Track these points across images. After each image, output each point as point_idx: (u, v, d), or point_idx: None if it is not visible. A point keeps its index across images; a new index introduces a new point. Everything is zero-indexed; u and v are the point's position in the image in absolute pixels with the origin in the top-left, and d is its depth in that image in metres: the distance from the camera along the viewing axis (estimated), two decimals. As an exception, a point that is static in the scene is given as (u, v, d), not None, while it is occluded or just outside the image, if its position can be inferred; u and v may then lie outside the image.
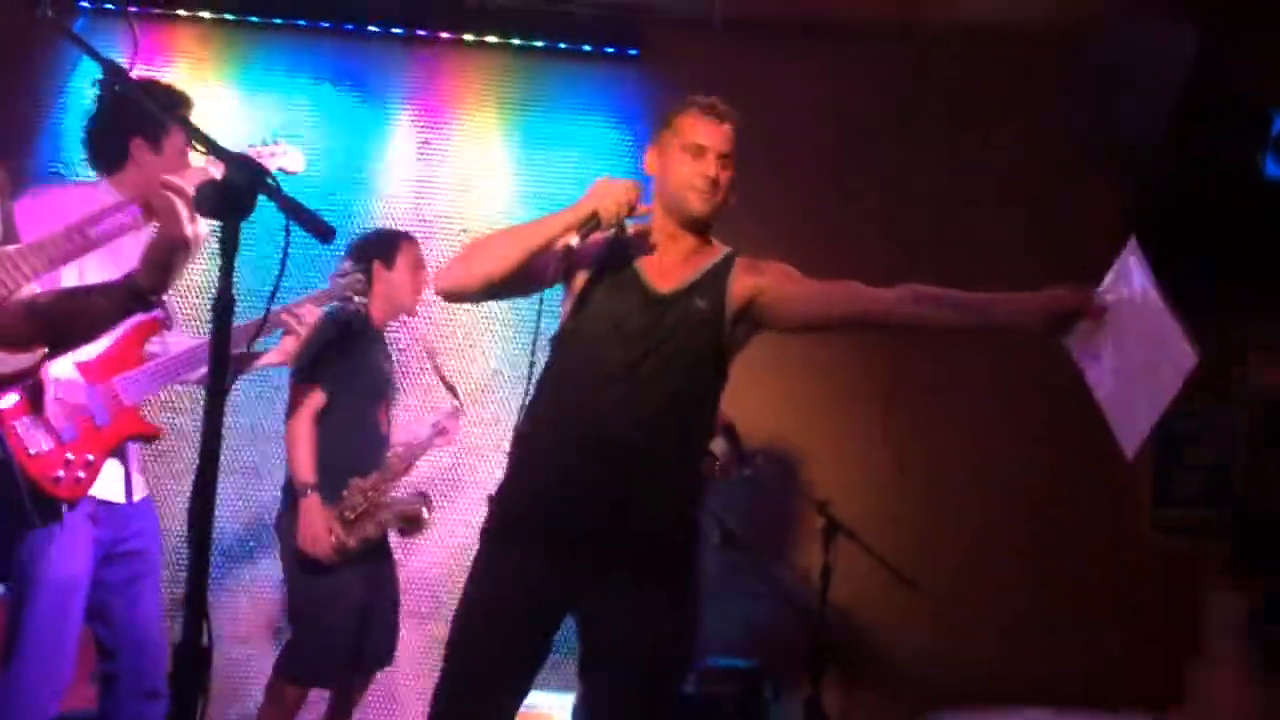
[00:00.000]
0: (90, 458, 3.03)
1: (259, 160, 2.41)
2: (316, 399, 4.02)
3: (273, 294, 1.94)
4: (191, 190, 2.08)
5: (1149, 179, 4.61)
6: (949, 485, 4.96)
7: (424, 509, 4.22)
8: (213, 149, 1.91)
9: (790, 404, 5.01)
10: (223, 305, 1.85)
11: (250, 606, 4.86)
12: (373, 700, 4.62)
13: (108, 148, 3.14)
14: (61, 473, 2.98)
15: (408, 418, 4.54)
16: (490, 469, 4.84)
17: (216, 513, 1.92)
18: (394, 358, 4.41)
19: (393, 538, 4.25)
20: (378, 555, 4.18)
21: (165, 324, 2.63)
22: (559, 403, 2.75)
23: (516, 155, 5.15)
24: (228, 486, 4.77)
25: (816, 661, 3.99)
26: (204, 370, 2.91)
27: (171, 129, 3.04)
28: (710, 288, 2.81)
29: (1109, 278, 2.57)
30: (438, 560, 4.80)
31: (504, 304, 4.80)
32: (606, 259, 2.79)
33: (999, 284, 4.92)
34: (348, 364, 4.06)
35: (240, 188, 1.84)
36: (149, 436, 3.21)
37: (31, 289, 2.25)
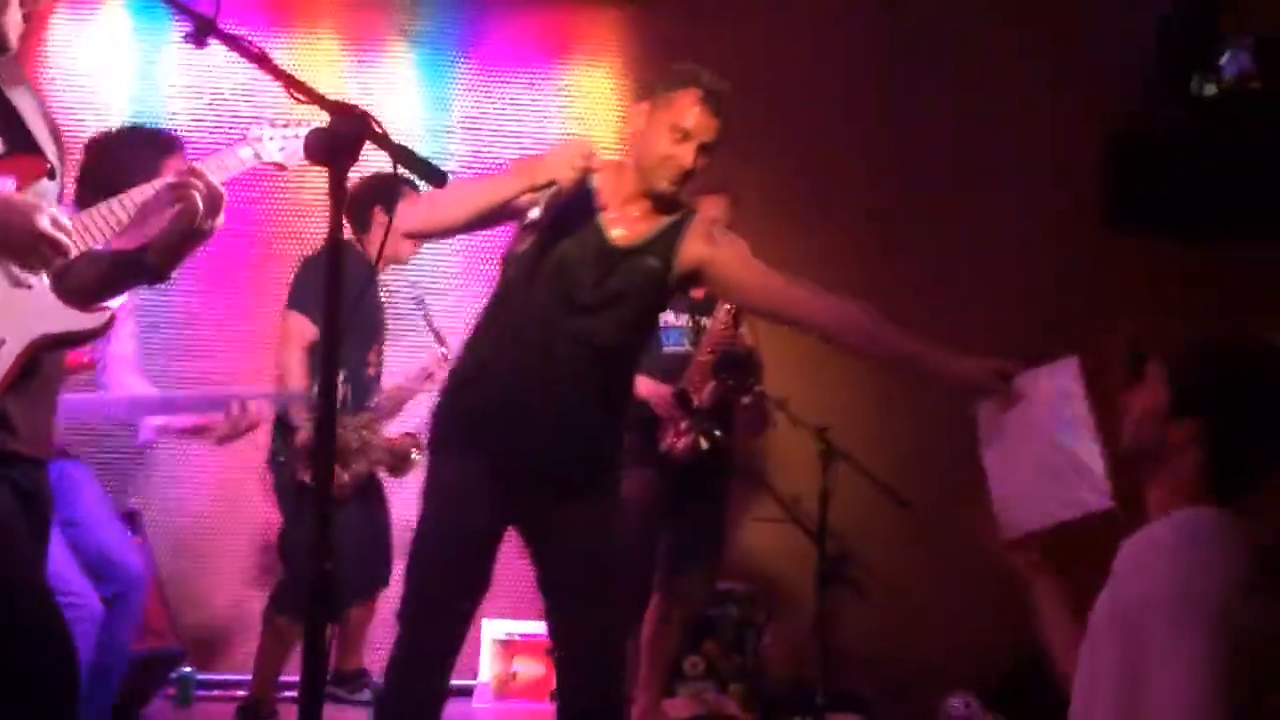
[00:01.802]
0: None
1: (262, 137, 2.47)
2: (308, 331, 4.07)
3: (385, 239, 2.01)
4: (219, 185, 2.22)
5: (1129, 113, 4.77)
6: (935, 409, 5.14)
7: (414, 449, 4.33)
8: (314, 97, 1.96)
9: (783, 337, 5.15)
10: (334, 248, 1.93)
11: (248, 546, 4.94)
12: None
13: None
14: None
15: (398, 362, 4.62)
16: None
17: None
18: (384, 302, 4.50)
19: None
20: (367, 492, 4.32)
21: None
22: (503, 330, 2.96)
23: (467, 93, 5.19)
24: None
25: (819, 582, 4.13)
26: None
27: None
28: (663, 247, 2.98)
29: (1039, 374, 2.61)
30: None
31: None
32: (570, 204, 2.90)
33: (984, 210, 5.12)
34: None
35: (347, 135, 1.91)
36: None
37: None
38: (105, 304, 2.35)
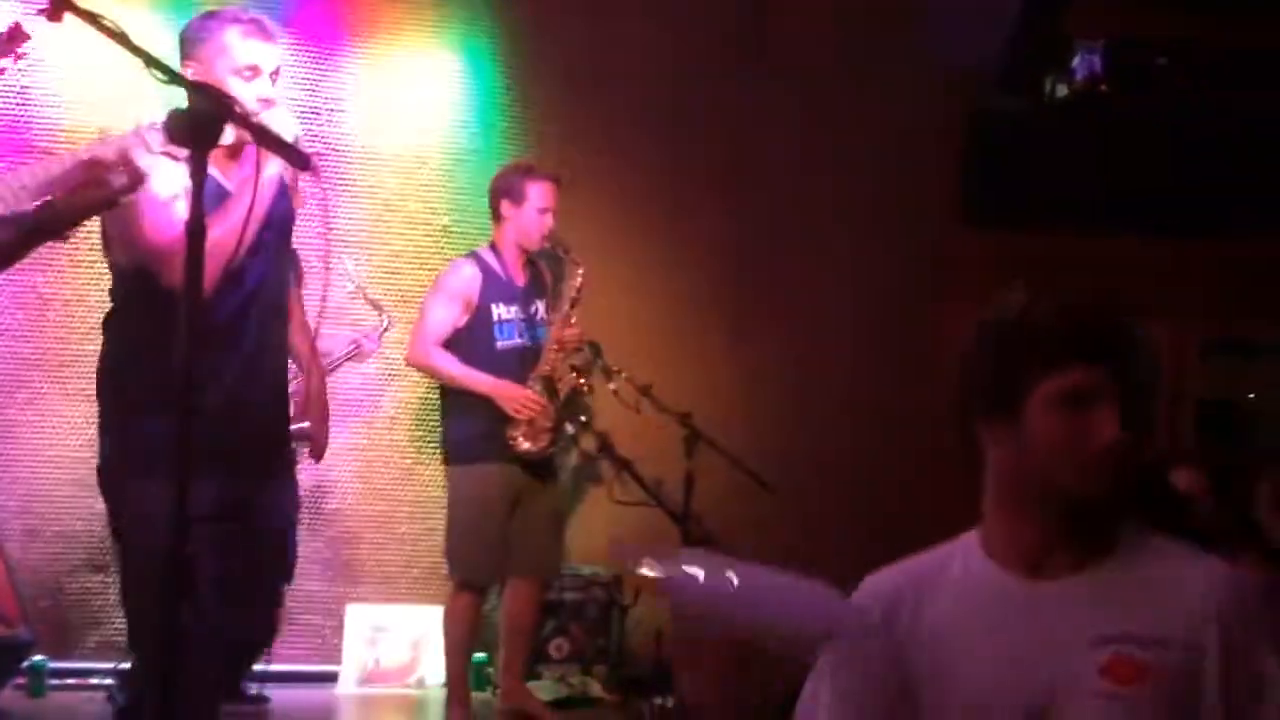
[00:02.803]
0: None
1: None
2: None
3: (246, 217, 2.00)
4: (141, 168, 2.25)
5: (983, 110, 4.93)
6: (795, 394, 5.28)
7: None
8: (176, 79, 1.94)
9: (647, 326, 5.22)
10: (195, 231, 1.91)
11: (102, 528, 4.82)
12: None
13: None
14: None
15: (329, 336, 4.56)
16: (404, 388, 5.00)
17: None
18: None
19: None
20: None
21: None
22: None
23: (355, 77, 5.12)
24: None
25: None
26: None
27: None
28: None
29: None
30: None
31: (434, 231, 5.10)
32: None
33: (840, 219, 5.25)
34: None
35: (208, 116, 1.89)
36: None
37: None
38: None
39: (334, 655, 4.89)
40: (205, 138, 1.90)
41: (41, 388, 4.63)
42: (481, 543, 4.32)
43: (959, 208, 5.08)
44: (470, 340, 4.34)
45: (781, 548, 4.95)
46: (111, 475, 2.73)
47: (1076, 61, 5.36)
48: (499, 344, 4.36)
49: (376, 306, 4.52)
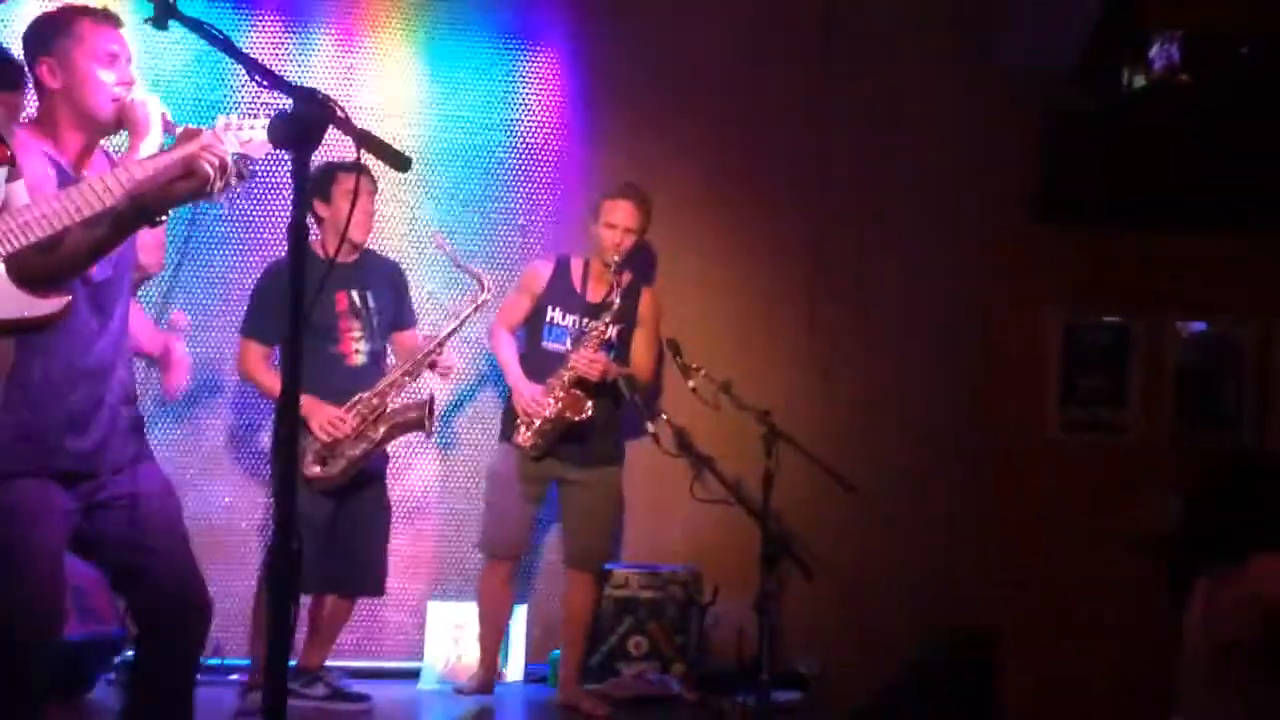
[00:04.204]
0: None
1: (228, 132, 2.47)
2: (257, 350, 4.33)
3: (346, 225, 2.03)
4: (230, 159, 2.33)
5: (1062, 109, 4.87)
6: (871, 392, 5.25)
7: (425, 414, 4.44)
8: (277, 82, 1.98)
9: (722, 323, 5.24)
10: (298, 232, 1.95)
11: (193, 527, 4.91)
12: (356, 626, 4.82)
13: None
14: None
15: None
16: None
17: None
18: (371, 285, 4.47)
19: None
20: (358, 485, 4.40)
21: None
22: None
23: (429, 78, 5.17)
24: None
25: (763, 563, 4.20)
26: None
27: None
28: None
29: None
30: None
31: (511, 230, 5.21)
32: None
33: (915, 216, 5.23)
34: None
35: (311, 120, 1.94)
36: None
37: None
38: (62, 293, 2.37)
39: (417, 652, 4.96)
40: (308, 140, 1.94)
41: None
42: (498, 515, 4.67)
43: (1036, 203, 5.02)
44: (526, 332, 4.71)
45: (859, 548, 5.02)
46: None
47: (1154, 52, 5.29)
48: (544, 344, 4.66)
49: (474, 274, 4.58)
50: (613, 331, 4.61)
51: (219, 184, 2.37)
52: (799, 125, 5.30)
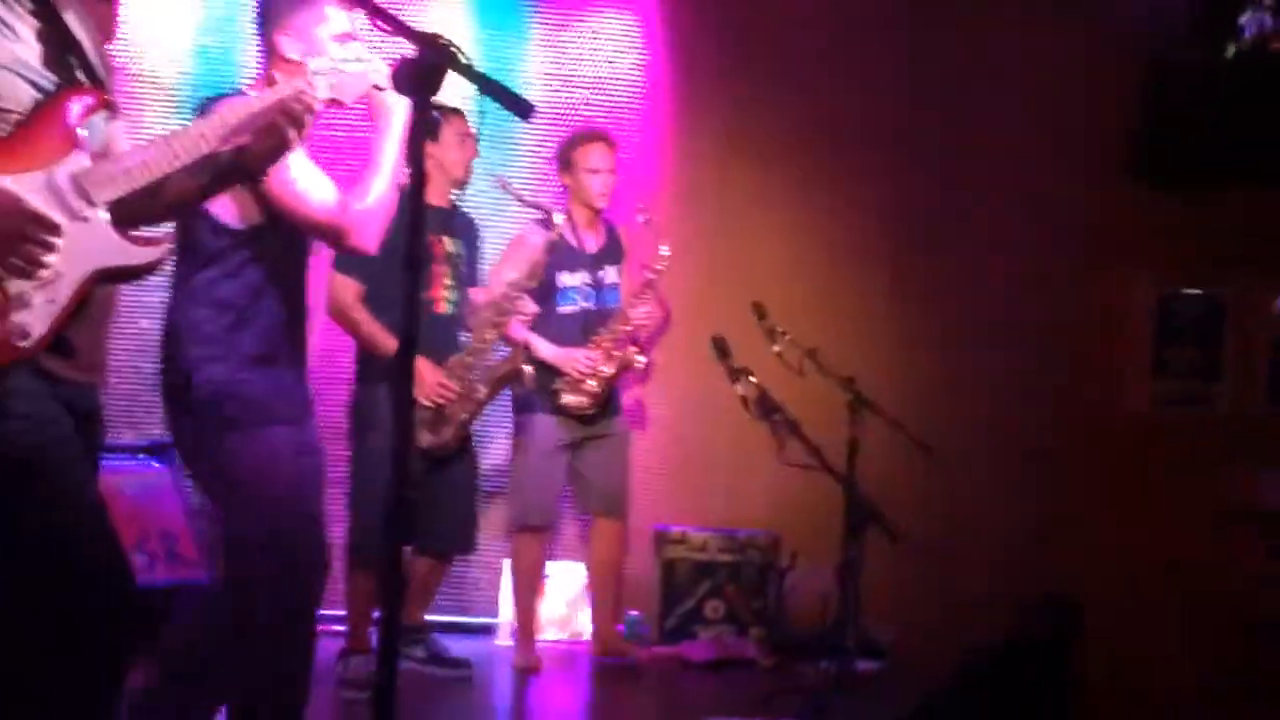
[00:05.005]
0: None
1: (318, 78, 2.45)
2: (353, 288, 4.19)
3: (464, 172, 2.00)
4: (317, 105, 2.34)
5: (1164, 69, 4.75)
6: (955, 358, 5.18)
7: (521, 364, 4.37)
8: (399, 28, 1.96)
9: (807, 288, 5.18)
10: (418, 180, 1.93)
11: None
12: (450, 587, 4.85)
13: None
14: None
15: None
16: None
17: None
18: (460, 234, 4.45)
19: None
20: (463, 451, 4.42)
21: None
22: None
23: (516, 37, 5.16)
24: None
25: (848, 529, 4.16)
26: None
27: None
28: None
29: None
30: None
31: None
32: None
33: (1005, 180, 5.12)
34: (386, 248, 4.11)
35: (434, 65, 1.91)
36: None
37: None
38: (160, 238, 2.37)
39: (491, 608, 4.98)
40: (430, 87, 1.92)
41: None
42: (538, 486, 4.62)
43: (1132, 166, 4.91)
44: (537, 303, 4.48)
45: (943, 514, 4.95)
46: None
47: (1245, 19, 5.16)
48: (560, 309, 4.62)
49: (537, 205, 4.42)
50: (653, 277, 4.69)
51: (308, 129, 2.36)
52: (886, 86, 5.21)
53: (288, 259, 2.86)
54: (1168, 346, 5.10)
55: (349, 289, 4.19)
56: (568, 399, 4.55)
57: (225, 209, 2.78)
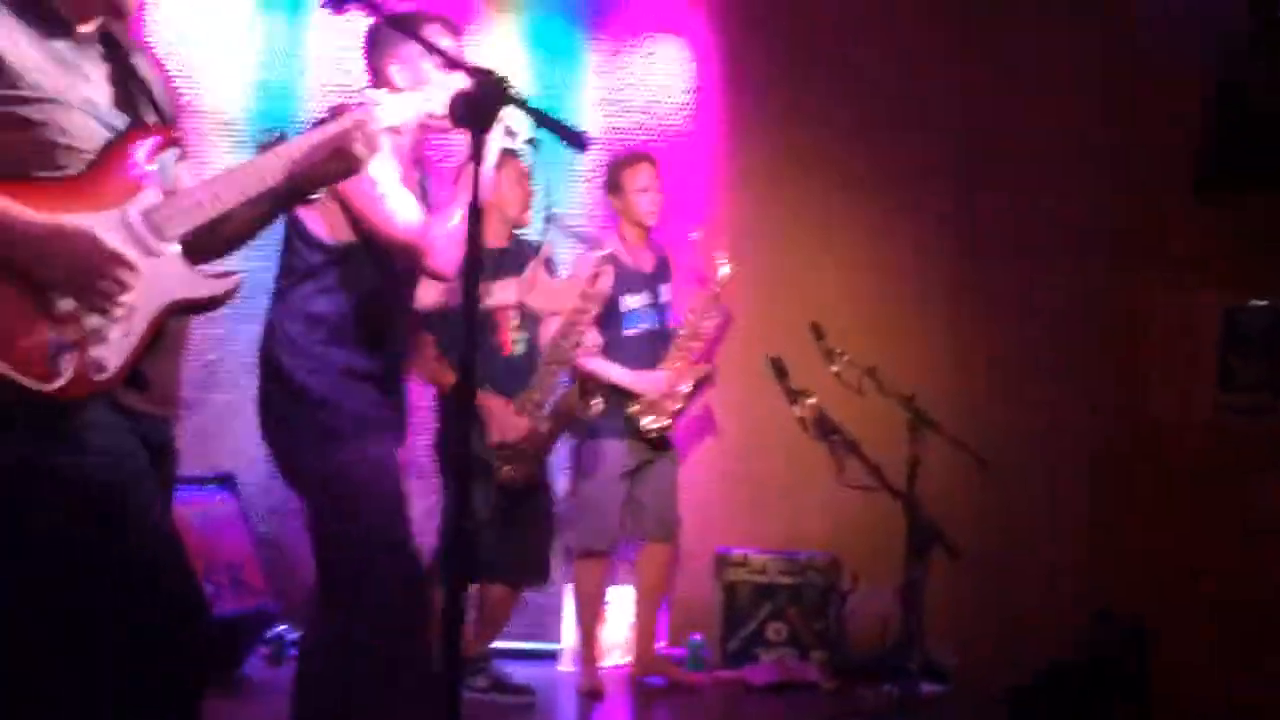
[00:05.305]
0: None
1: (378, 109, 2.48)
2: (428, 339, 4.17)
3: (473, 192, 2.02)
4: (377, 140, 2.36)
5: (1231, 80, 4.69)
6: (1015, 375, 5.13)
7: (583, 396, 4.34)
8: (454, 61, 1.99)
9: (864, 307, 5.16)
10: (475, 210, 1.95)
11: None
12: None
13: None
14: None
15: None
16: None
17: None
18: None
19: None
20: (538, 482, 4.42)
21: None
22: None
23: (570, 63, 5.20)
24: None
25: (910, 550, 4.12)
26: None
27: None
28: None
29: None
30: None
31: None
32: None
33: (1075, 183, 5.08)
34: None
35: (489, 99, 1.93)
36: None
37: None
38: (233, 271, 2.41)
39: (553, 634, 4.99)
40: (486, 119, 1.94)
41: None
42: (604, 512, 4.62)
43: (1197, 178, 4.84)
44: (602, 328, 4.49)
45: (1002, 530, 4.90)
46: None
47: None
48: (626, 332, 4.65)
49: (591, 240, 4.45)
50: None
51: (368, 161, 2.40)
52: (944, 102, 5.19)
53: (383, 278, 2.93)
54: (1234, 358, 5.02)
55: (429, 347, 4.18)
56: (648, 421, 4.58)
57: (317, 224, 2.89)
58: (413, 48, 2.84)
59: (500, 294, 4.12)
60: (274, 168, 2.30)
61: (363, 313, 2.91)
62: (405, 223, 2.81)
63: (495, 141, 2.67)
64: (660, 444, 4.68)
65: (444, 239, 2.79)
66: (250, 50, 5.02)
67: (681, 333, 4.71)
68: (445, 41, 2.87)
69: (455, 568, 1.94)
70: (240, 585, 4.29)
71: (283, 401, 2.93)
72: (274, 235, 2.81)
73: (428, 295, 3.63)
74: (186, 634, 2.27)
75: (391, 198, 2.82)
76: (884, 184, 5.24)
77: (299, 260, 2.93)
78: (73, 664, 2.18)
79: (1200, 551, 4.78)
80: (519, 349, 4.40)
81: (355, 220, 2.86)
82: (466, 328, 1.97)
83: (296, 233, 2.94)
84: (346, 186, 2.78)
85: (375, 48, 2.95)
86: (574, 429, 4.52)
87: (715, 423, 5.25)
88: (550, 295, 4.26)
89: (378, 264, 2.91)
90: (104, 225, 2.14)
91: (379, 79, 2.93)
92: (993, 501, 4.76)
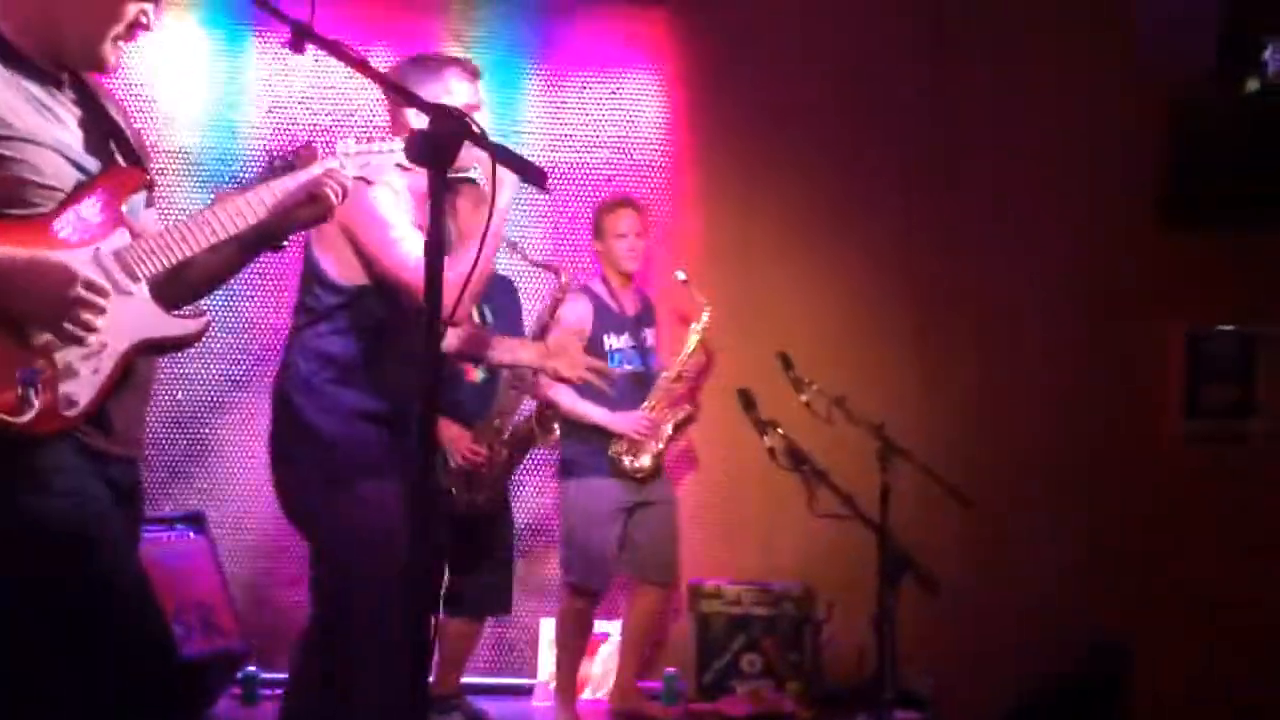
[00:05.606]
0: None
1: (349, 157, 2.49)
2: None
3: (484, 235, 2.04)
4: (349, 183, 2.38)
5: (1191, 105, 4.75)
6: (985, 405, 5.15)
7: (535, 426, 4.42)
8: (413, 101, 2.00)
9: (830, 334, 5.18)
10: (434, 249, 1.96)
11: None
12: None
13: None
14: None
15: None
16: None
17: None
18: (492, 299, 4.43)
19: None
20: (500, 512, 4.48)
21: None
22: None
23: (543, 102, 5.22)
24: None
25: (883, 579, 4.12)
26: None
27: None
28: None
29: None
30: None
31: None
32: None
33: (1037, 210, 5.12)
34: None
35: (447, 136, 1.94)
36: None
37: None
38: (202, 311, 2.41)
39: (527, 669, 4.97)
40: (443, 158, 1.95)
41: (250, 408, 4.78)
42: (597, 552, 4.59)
43: (1161, 204, 4.89)
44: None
45: (974, 563, 4.91)
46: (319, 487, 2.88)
47: (1268, 55, 5.16)
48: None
49: (550, 268, 4.52)
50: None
51: (336, 207, 2.41)
52: (906, 128, 5.23)
53: (396, 322, 2.93)
54: (1201, 384, 5.06)
55: None
56: (629, 462, 4.59)
57: (331, 266, 2.93)
58: (433, 90, 2.84)
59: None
60: (245, 213, 2.31)
61: (374, 355, 2.93)
62: (418, 266, 2.79)
63: (509, 185, 2.67)
64: (653, 483, 4.67)
65: (452, 282, 2.79)
66: (210, 88, 5.02)
67: (665, 375, 4.73)
68: (463, 85, 2.95)
69: (418, 601, 1.92)
70: (210, 626, 4.26)
71: (292, 439, 2.94)
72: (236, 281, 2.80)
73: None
74: (154, 675, 2.27)
75: (405, 241, 2.86)
76: (848, 215, 5.26)
77: (314, 300, 2.98)
78: (39, 707, 2.16)
79: (1173, 575, 4.80)
80: (480, 375, 4.42)
81: (368, 263, 2.90)
82: (428, 357, 1.97)
83: (313, 273, 2.98)
84: (359, 230, 2.86)
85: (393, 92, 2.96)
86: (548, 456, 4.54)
87: (695, 456, 5.24)
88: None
89: (390, 306, 2.93)
90: (77, 262, 2.16)
91: (396, 124, 2.97)
92: (967, 528, 4.76)
